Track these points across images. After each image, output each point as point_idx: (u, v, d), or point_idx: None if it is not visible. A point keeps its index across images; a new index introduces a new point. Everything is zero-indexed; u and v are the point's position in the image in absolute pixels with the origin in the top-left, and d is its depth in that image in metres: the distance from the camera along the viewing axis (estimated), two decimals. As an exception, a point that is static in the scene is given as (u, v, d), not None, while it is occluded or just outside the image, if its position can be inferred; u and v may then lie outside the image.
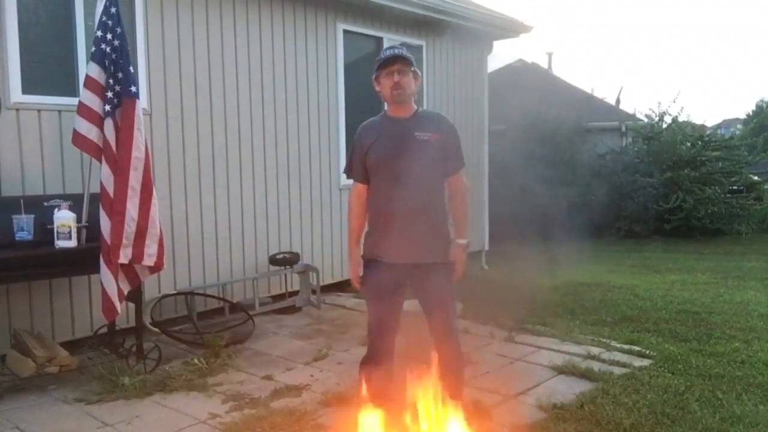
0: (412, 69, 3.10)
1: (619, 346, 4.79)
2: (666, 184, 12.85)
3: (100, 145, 3.97)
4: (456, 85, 8.33)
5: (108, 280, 3.94)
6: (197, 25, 5.47)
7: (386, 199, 3.04)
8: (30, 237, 3.80)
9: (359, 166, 3.15)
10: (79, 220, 4.03)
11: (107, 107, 3.95)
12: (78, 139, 3.97)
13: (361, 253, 3.22)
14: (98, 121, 3.97)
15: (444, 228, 3.16)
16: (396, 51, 3.12)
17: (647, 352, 4.65)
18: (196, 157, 5.49)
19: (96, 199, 4.49)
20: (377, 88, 3.17)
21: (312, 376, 4.25)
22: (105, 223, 3.93)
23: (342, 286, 6.63)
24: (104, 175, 3.96)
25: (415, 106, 3.18)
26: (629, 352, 4.64)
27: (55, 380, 4.10)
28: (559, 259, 9.26)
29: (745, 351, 4.64)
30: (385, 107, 3.22)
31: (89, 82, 3.96)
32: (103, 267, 3.94)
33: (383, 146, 3.08)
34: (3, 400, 3.84)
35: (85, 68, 4.08)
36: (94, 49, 3.99)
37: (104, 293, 3.95)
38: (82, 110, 3.95)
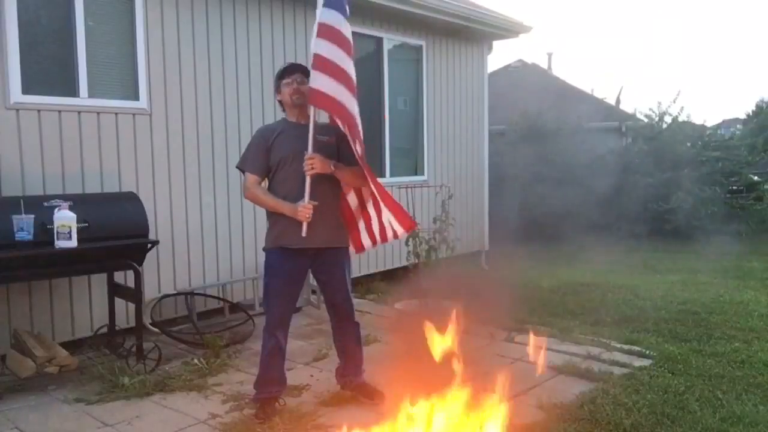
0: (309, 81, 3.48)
1: (619, 346, 4.79)
2: (666, 184, 12.84)
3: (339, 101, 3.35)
4: (456, 85, 8.32)
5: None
6: (197, 25, 5.47)
7: (292, 191, 3.43)
8: (30, 237, 3.80)
9: (260, 159, 3.52)
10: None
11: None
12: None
13: (265, 245, 3.61)
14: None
15: (340, 216, 3.66)
16: (296, 63, 3.65)
17: (647, 352, 4.65)
18: (196, 157, 5.49)
19: (93, 199, 4.51)
20: (278, 98, 3.64)
21: (312, 376, 4.25)
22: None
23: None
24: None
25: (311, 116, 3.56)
26: (629, 352, 4.64)
27: (55, 380, 4.10)
28: (559, 259, 9.27)
29: (745, 351, 4.64)
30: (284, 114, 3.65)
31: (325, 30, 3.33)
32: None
33: (289, 145, 3.49)
34: (3, 400, 3.85)
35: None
36: None
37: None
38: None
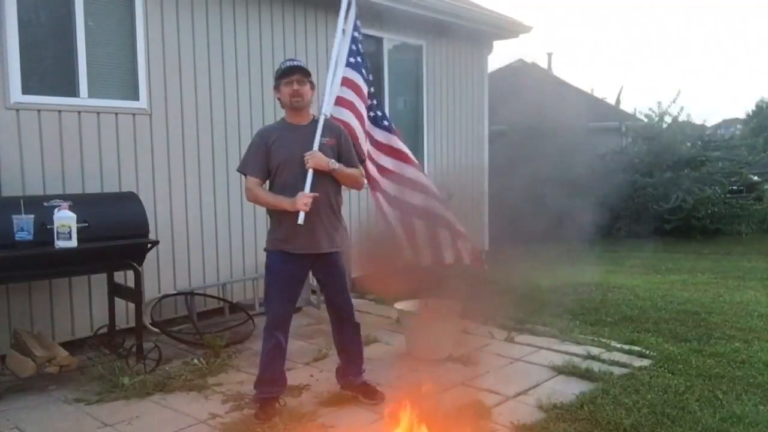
0: (309, 80, 3.56)
1: (619, 346, 4.79)
2: (666, 184, 12.85)
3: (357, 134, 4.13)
4: (456, 85, 8.32)
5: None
6: (197, 26, 5.47)
7: (293, 194, 3.40)
8: (30, 237, 3.80)
9: (260, 162, 3.52)
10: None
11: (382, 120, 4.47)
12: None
13: (266, 247, 3.62)
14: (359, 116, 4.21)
15: (341, 219, 3.70)
16: (295, 63, 3.59)
17: (647, 352, 4.65)
18: (196, 156, 5.49)
19: (93, 199, 4.51)
20: (276, 96, 3.63)
21: (312, 376, 4.25)
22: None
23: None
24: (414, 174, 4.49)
25: (312, 115, 3.66)
26: (629, 352, 4.64)
27: (55, 380, 4.10)
28: (559, 259, 9.26)
29: (745, 351, 4.64)
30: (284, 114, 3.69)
31: (347, 83, 4.21)
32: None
33: (287, 148, 3.49)
34: (3, 400, 3.85)
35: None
36: (352, 60, 4.27)
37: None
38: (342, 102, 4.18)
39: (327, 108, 3.85)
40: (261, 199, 3.60)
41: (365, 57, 4.41)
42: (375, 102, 4.49)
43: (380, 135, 4.46)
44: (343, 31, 4.21)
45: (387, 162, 4.43)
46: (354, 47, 4.31)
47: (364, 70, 4.33)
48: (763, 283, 7.55)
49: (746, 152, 14.77)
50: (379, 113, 4.50)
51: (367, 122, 4.33)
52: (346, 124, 4.01)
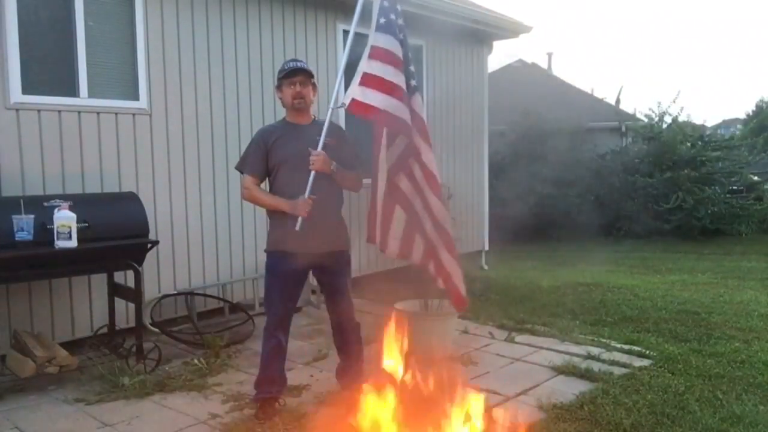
0: (312, 81, 3.57)
1: (619, 346, 4.79)
2: (666, 184, 12.87)
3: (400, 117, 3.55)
4: (456, 85, 8.32)
5: (456, 268, 3.99)
6: (197, 26, 5.46)
7: (294, 193, 3.41)
8: (30, 237, 3.80)
9: (259, 161, 3.53)
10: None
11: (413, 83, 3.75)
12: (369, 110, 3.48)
13: (266, 248, 3.62)
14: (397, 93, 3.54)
15: (342, 219, 3.69)
16: (299, 64, 3.56)
17: (647, 352, 4.65)
18: (196, 157, 5.49)
19: (93, 199, 4.51)
20: (278, 96, 3.63)
21: (312, 376, 4.25)
22: (444, 214, 3.95)
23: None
24: (428, 158, 3.98)
25: (313, 115, 3.69)
26: (629, 353, 4.64)
27: (55, 380, 4.10)
28: (559, 259, 9.27)
29: (745, 351, 4.64)
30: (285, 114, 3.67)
31: (375, 53, 3.56)
32: (449, 257, 3.98)
33: (288, 147, 3.51)
34: (3, 400, 3.85)
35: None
36: (383, 20, 3.65)
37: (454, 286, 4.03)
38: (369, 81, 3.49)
39: (341, 100, 3.62)
40: (258, 199, 3.61)
41: (399, 13, 3.71)
42: (413, 68, 3.80)
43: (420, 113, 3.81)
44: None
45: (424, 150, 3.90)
46: (386, 3, 3.69)
47: (396, 30, 3.65)
48: (763, 283, 7.55)
49: (746, 152, 14.78)
50: (412, 82, 3.79)
51: (405, 93, 3.60)
52: (371, 108, 3.44)
